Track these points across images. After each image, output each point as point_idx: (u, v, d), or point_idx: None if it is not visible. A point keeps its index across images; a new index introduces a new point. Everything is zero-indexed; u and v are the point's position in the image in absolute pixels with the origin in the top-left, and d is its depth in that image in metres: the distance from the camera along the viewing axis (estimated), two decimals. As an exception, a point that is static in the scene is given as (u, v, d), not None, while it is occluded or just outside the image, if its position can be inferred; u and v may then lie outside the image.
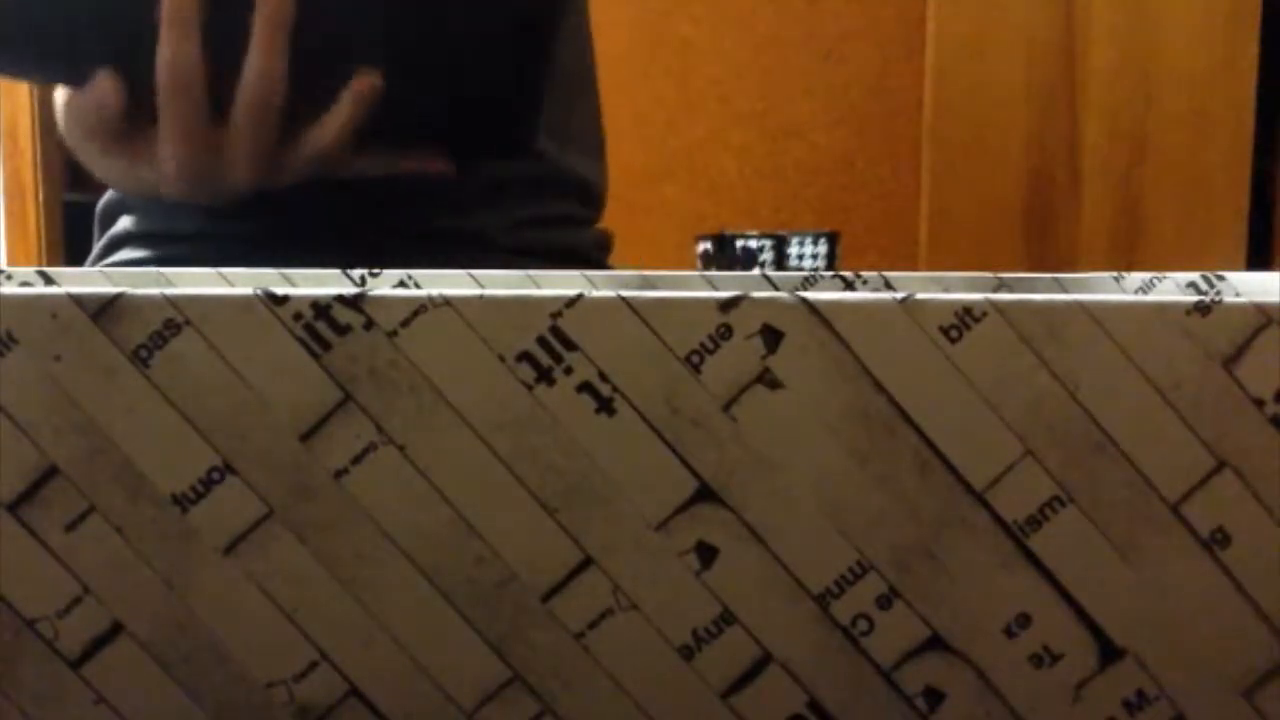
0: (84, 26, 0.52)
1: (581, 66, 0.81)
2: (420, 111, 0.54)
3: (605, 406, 0.27)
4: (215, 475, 0.27)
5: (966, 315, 0.27)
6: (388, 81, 0.53)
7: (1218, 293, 0.42)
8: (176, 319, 0.27)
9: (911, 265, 1.80)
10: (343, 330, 0.27)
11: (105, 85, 0.53)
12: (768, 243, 1.51)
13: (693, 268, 1.62)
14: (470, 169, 0.57)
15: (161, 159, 0.55)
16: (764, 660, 0.28)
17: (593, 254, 0.80)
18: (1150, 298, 0.27)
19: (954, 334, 0.27)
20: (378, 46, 0.52)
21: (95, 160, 0.58)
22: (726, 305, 0.27)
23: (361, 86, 0.52)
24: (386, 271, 0.42)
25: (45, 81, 0.58)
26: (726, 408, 0.27)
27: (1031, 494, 0.27)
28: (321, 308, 0.27)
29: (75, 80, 0.54)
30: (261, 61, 0.52)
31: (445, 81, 0.54)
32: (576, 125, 0.81)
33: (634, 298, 0.27)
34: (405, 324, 0.27)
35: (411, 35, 0.53)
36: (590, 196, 0.82)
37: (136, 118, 0.54)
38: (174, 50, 0.51)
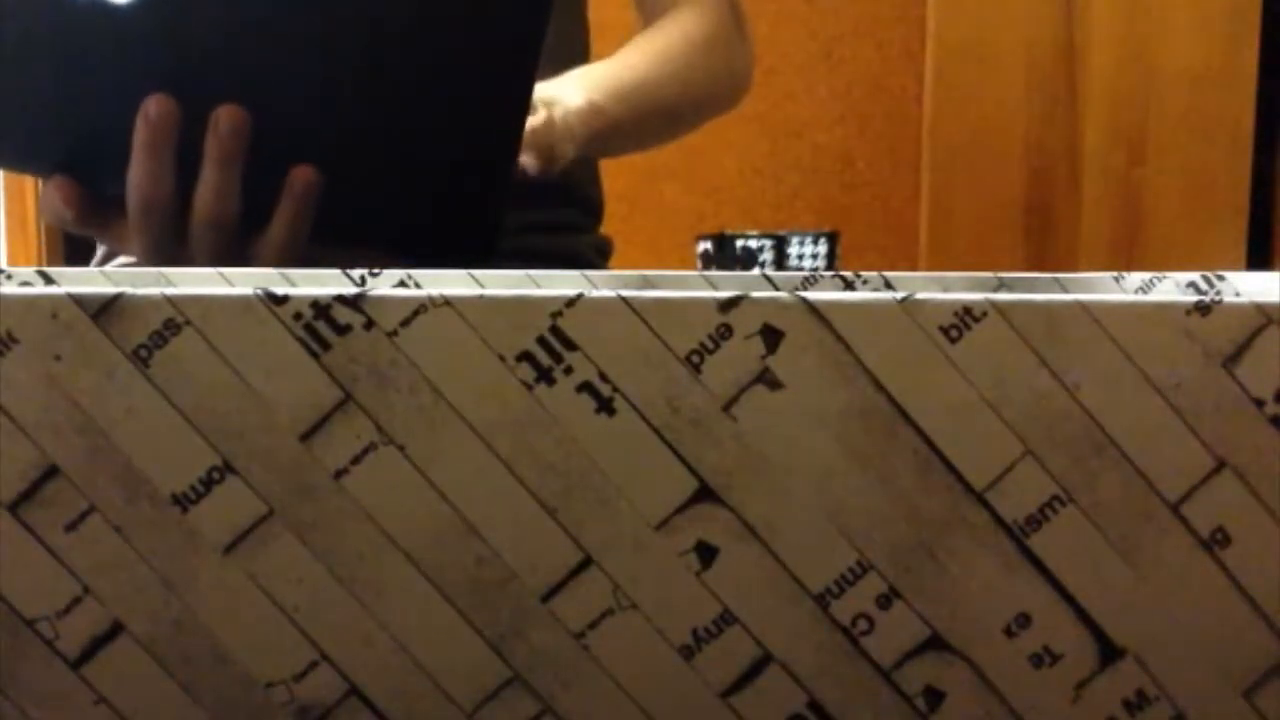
0: (51, 129, 0.53)
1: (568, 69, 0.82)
2: (378, 212, 0.56)
3: (605, 406, 0.27)
4: (215, 475, 0.27)
5: (966, 315, 0.27)
6: (346, 184, 0.54)
7: (1218, 293, 0.42)
8: (176, 319, 0.27)
9: (911, 265, 1.80)
10: (343, 330, 0.27)
11: (63, 191, 0.54)
12: (768, 243, 1.51)
13: (693, 268, 1.62)
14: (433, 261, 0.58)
15: (132, 251, 0.57)
16: (764, 660, 0.28)
17: (593, 260, 0.81)
18: (1150, 298, 0.27)
19: (954, 334, 0.27)
20: (334, 153, 0.54)
21: None
22: (726, 305, 0.27)
23: (295, 182, 0.53)
24: (386, 271, 0.42)
25: (15, 170, 0.60)
26: (726, 408, 0.27)
27: (1031, 494, 0.27)
28: (321, 307, 0.27)
29: (42, 174, 0.56)
30: (214, 183, 0.53)
31: (402, 183, 0.55)
32: None
33: (634, 298, 0.27)
34: (405, 324, 0.27)
35: (370, 143, 0.54)
36: (588, 205, 0.83)
37: (103, 205, 0.55)
38: (146, 175, 0.53)
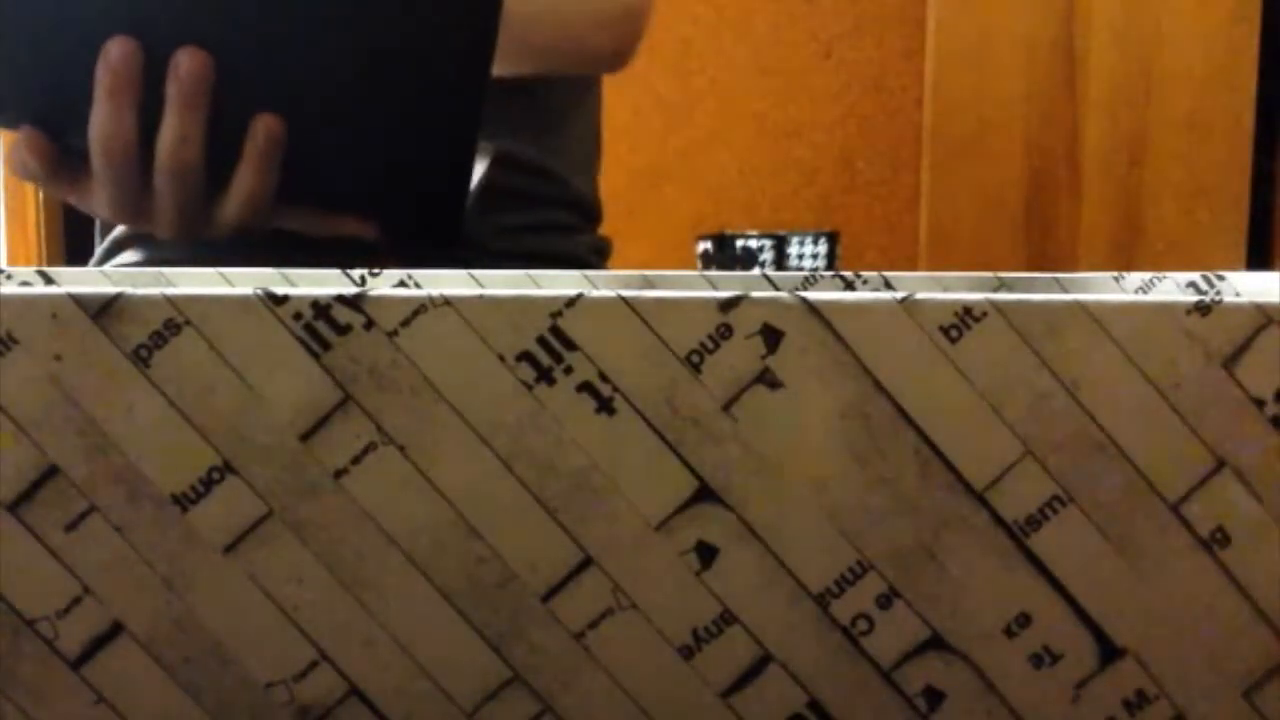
0: (17, 79, 0.53)
1: (579, 80, 0.81)
2: (343, 178, 0.56)
3: (605, 406, 0.27)
4: (215, 475, 0.27)
5: (966, 315, 0.27)
6: (308, 146, 0.54)
7: (1218, 293, 0.42)
8: (176, 319, 0.27)
9: (911, 265, 1.80)
10: (343, 330, 0.27)
11: (30, 143, 0.53)
12: (768, 243, 1.51)
13: (693, 268, 1.62)
14: (397, 243, 0.57)
15: (97, 206, 0.56)
16: (764, 660, 0.28)
17: (591, 261, 0.80)
18: (1150, 298, 0.27)
19: (954, 334, 0.27)
20: (301, 110, 0.53)
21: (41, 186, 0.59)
22: (726, 305, 0.27)
23: (257, 131, 0.52)
24: (386, 271, 0.42)
25: None
26: (726, 408, 0.27)
27: (1031, 494, 0.27)
28: (321, 307, 0.27)
29: (7, 126, 0.55)
30: (176, 129, 0.52)
31: (366, 150, 0.55)
32: (572, 140, 0.81)
33: (634, 298, 0.27)
34: (405, 324, 0.27)
35: (336, 102, 0.54)
36: (585, 207, 0.83)
37: (71, 159, 0.54)
38: (108, 120, 0.52)
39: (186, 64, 0.51)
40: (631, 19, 0.78)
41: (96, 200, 0.56)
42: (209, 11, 0.52)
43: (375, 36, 0.53)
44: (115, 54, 0.51)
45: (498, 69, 0.81)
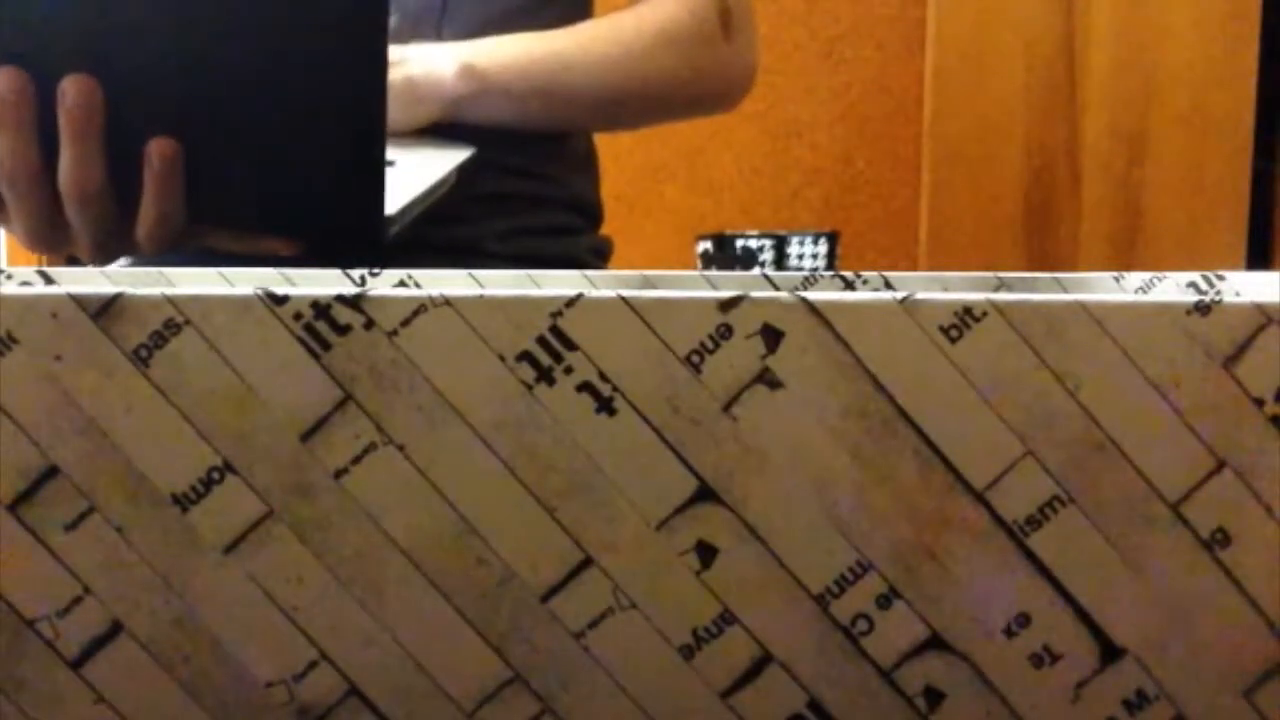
0: None
1: None
2: (254, 197, 0.55)
3: (605, 406, 0.27)
4: (215, 475, 0.27)
5: (966, 315, 0.27)
6: (214, 167, 0.53)
7: (1218, 293, 0.42)
8: (176, 319, 0.27)
9: (911, 265, 1.80)
10: (343, 330, 0.27)
11: None
12: (768, 243, 1.51)
13: (693, 268, 1.62)
14: (325, 254, 0.58)
15: (18, 235, 0.57)
16: (764, 660, 0.28)
17: (590, 262, 0.80)
18: (1150, 298, 0.27)
19: (954, 334, 0.27)
20: (201, 131, 0.53)
21: None
22: (726, 305, 0.27)
23: (152, 155, 0.52)
24: (386, 271, 0.42)
25: None
26: (726, 408, 0.27)
27: (1031, 494, 0.27)
28: (321, 307, 0.27)
29: None
30: (72, 158, 0.52)
31: (272, 169, 0.54)
32: (569, 141, 0.81)
33: (634, 298, 0.27)
34: (405, 324, 0.27)
35: (234, 121, 0.53)
36: (585, 208, 0.83)
37: None
38: (7, 151, 0.52)
39: (73, 93, 0.51)
40: (733, 74, 0.80)
41: (15, 229, 0.56)
42: (98, 40, 0.52)
43: (265, 57, 0.53)
44: (3, 85, 0.51)
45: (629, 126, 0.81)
